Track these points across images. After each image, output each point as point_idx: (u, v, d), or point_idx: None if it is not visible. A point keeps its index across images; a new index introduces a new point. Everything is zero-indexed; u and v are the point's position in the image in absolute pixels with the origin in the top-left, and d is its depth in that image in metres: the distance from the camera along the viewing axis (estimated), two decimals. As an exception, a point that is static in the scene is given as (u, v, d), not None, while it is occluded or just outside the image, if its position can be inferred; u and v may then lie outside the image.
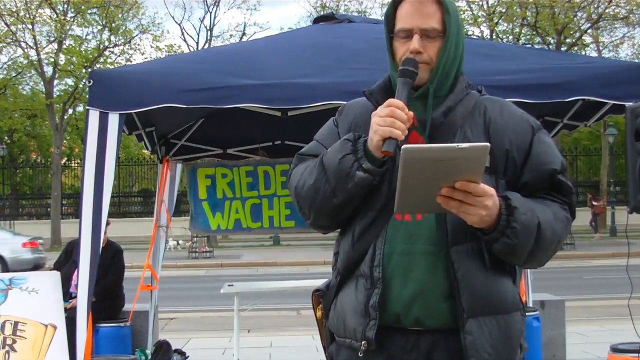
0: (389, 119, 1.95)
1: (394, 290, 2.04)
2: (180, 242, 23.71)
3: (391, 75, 2.17)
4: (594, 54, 26.96)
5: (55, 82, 27.98)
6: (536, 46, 24.55)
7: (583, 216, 28.50)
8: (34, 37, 26.15)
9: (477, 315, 2.02)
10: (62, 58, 26.68)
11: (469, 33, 26.25)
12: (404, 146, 1.82)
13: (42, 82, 27.80)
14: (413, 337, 2.05)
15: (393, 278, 2.04)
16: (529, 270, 6.49)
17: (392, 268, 2.04)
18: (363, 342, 2.03)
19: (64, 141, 30.50)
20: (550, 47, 23.98)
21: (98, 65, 25.48)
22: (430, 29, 2.08)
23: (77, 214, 7.91)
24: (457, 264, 2.01)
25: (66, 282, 5.94)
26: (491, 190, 1.93)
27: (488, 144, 1.89)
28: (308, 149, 2.24)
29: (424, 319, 2.03)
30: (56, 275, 5.18)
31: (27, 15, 25.75)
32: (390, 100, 1.99)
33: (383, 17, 2.20)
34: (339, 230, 2.22)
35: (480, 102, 2.15)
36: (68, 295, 6.14)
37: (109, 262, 6.62)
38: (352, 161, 2.01)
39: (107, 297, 6.55)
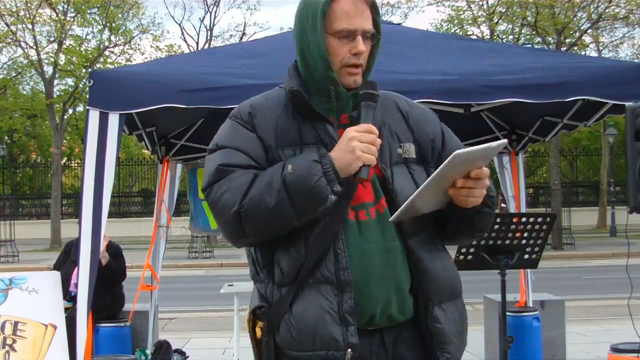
0: (373, 147, 1.95)
1: (369, 291, 1.99)
2: None
3: (312, 73, 2.09)
4: (594, 54, 26.95)
5: (55, 82, 27.93)
6: (536, 46, 24.53)
7: (584, 216, 28.53)
8: (34, 37, 26.11)
9: (440, 303, 2.06)
10: (62, 58, 26.64)
11: (468, 33, 26.24)
12: (456, 152, 1.88)
13: (42, 82, 27.77)
14: (378, 334, 2.04)
15: (365, 279, 1.99)
16: (529, 270, 6.50)
17: (362, 269, 1.99)
18: (349, 351, 1.95)
19: (64, 141, 30.48)
20: (550, 47, 23.96)
21: (98, 65, 25.45)
22: (369, 31, 2.08)
23: (77, 214, 7.91)
24: (418, 255, 2.04)
25: (65, 282, 5.94)
26: (488, 170, 2.01)
27: (507, 140, 2.05)
28: (229, 159, 2.05)
29: (395, 315, 2.03)
30: (56, 275, 5.19)
31: (27, 15, 25.70)
32: (371, 127, 1.98)
33: (308, 7, 2.08)
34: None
35: (385, 97, 2.20)
36: (67, 294, 6.14)
37: (109, 262, 6.61)
38: (325, 184, 1.93)
39: (106, 296, 6.54)
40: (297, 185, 1.93)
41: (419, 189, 1.94)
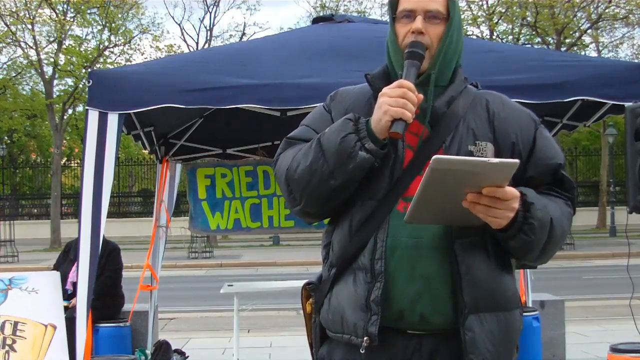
0: (402, 100, 1.91)
1: (399, 285, 1.97)
2: None
3: (391, 61, 2.11)
4: (594, 54, 26.96)
5: (55, 82, 27.93)
6: (536, 46, 24.55)
7: (584, 216, 28.52)
8: (34, 37, 26.11)
9: (478, 311, 1.97)
10: (62, 58, 26.63)
11: (468, 33, 26.24)
12: (434, 157, 1.79)
13: (42, 82, 27.77)
14: (415, 339, 1.99)
15: (397, 272, 1.97)
16: (528, 270, 6.50)
17: (397, 262, 1.97)
18: (365, 338, 1.95)
19: (64, 141, 30.48)
20: (550, 47, 23.98)
21: (98, 65, 25.45)
22: (434, 11, 2.04)
23: (77, 214, 7.91)
24: (460, 257, 1.97)
25: (63, 281, 5.93)
26: (516, 192, 1.90)
27: (518, 160, 1.86)
28: (298, 133, 2.16)
29: (429, 316, 1.97)
30: (56, 275, 5.20)
31: (27, 15, 25.70)
32: (401, 81, 1.95)
33: (388, 3, 2.15)
34: (327, 221, 2.15)
35: (480, 95, 2.14)
36: (64, 293, 6.12)
37: (105, 260, 6.58)
38: (354, 140, 1.94)
39: (105, 296, 6.53)
40: (329, 141, 1.97)
41: (417, 191, 1.87)
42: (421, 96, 1.96)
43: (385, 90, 1.95)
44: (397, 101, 1.91)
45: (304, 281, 2.22)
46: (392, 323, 1.98)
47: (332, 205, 2.05)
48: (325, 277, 2.10)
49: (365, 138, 1.94)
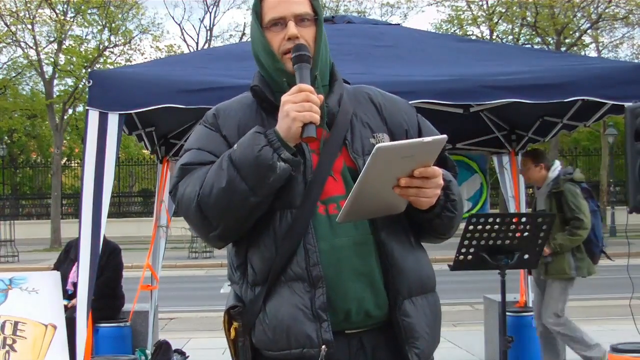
0: (307, 104, 1.91)
1: (341, 287, 1.96)
2: None
3: (267, 70, 2.10)
4: (594, 54, 26.96)
5: (55, 82, 27.95)
6: (536, 46, 24.55)
7: (583, 216, 28.46)
8: (34, 37, 26.13)
9: (410, 296, 2.02)
10: (62, 58, 26.65)
11: (468, 33, 26.24)
12: (377, 146, 1.80)
13: (42, 82, 27.78)
14: (355, 338, 2.01)
15: (337, 274, 1.96)
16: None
17: (334, 264, 1.97)
18: (323, 347, 1.93)
19: (64, 141, 30.48)
20: (550, 47, 23.98)
21: (98, 65, 25.45)
22: (304, 14, 2.07)
23: (77, 214, 7.91)
24: (388, 247, 2.01)
25: (63, 281, 5.93)
26: (440, 169, 1.96)
27: (446, 135, 1.92)
28: (192, 159, 2.07)
29: (372, 310, 1.99)
30: (56, 275, 5.19)
31: (27, 15, 25.72)
32: (301, 85, 1.94)
33: (251, 13, 2.15)
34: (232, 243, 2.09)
35: (358, 90, 2.20)
36: (65, 293, 6.12)
37: (105, 260, 6.58)
38: (271, 152, 1.91)
39: (105, 296, 6.53)
40: (243, 157, 1.92)
41: (354, 187, 1.88)
42: (321, 96, 1.97)
43: (287, 97, 1.93)
44: (302, 106, 1.90)
45: None
46: (338, 326, 1.97)
47: (250, 223, 1.99)
48: (251, 297, 2.02)
49: (280, 148, 1.92)
